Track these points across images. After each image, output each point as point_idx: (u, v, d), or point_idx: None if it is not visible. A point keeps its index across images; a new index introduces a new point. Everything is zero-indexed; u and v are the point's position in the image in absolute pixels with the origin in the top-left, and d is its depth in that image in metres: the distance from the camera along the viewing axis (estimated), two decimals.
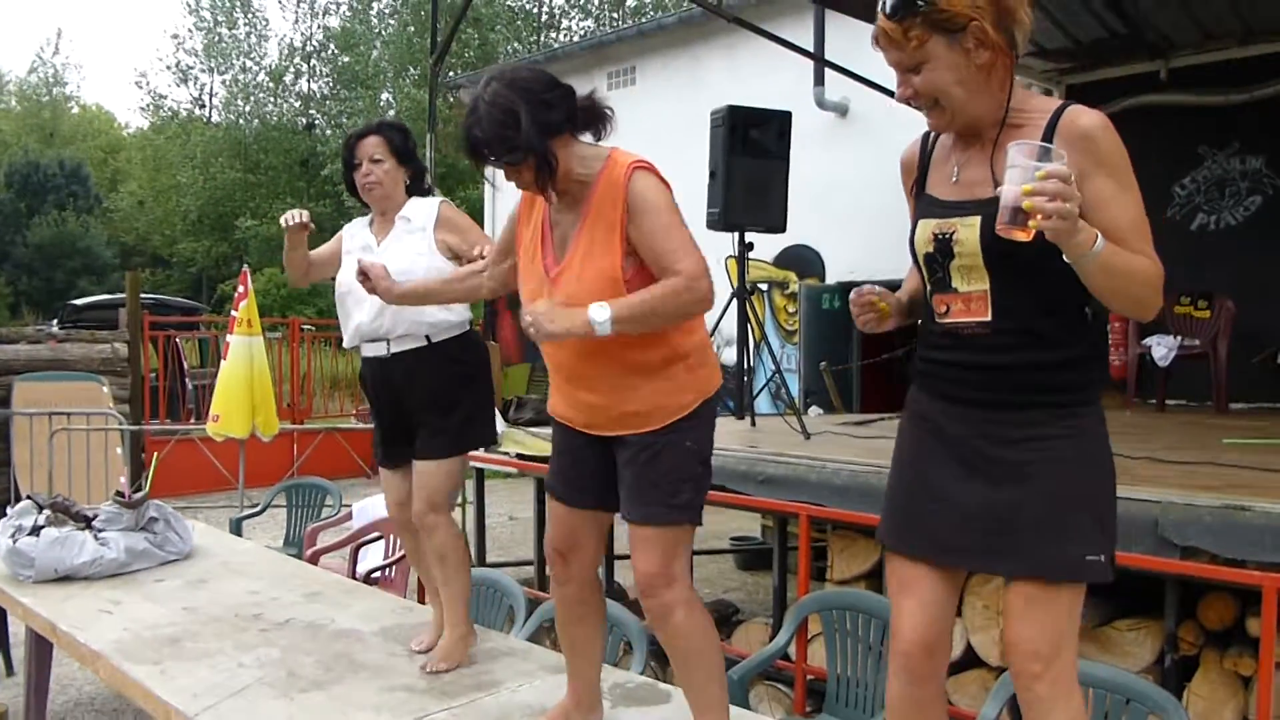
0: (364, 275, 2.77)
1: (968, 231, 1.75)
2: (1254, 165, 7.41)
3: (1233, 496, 3.17)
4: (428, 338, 3.06)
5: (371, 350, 3.13)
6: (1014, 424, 1.77)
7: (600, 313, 2.06)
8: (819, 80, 9.38)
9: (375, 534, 5.10)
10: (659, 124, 11.01)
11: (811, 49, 8.68)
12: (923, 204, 1.89)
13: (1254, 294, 6.81)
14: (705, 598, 4.69)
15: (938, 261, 1.81)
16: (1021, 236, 1.59)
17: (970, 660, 3.76)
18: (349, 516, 5.66)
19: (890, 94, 6.73)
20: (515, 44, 27.27)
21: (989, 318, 1.77)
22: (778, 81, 9.06)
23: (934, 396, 1.87)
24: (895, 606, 1.93)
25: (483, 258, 2.74)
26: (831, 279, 9.75)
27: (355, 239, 3.22)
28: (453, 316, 3.07)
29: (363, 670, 3.00)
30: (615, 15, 28.50)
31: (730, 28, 9.12)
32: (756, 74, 9.76)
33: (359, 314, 3.09)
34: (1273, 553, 2.85)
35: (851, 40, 7.96)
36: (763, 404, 10.05)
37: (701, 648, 2.31)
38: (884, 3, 1.71)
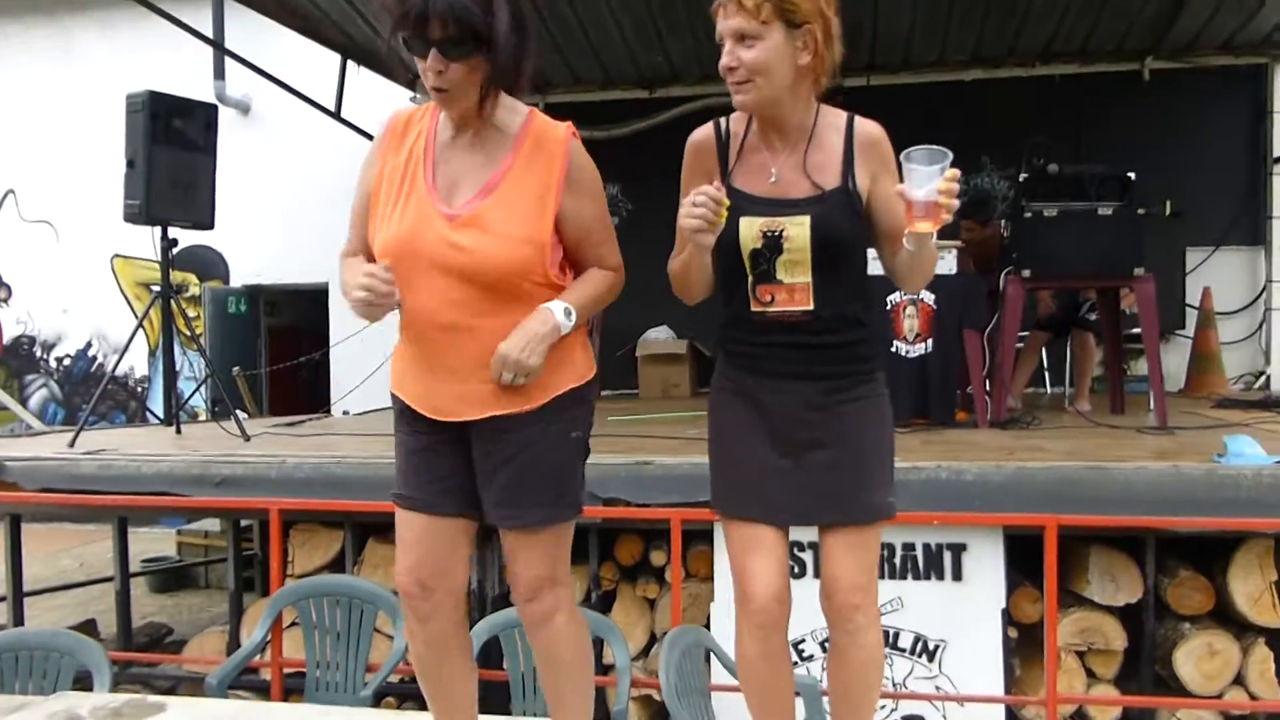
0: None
1: (797, 230, 1.92)
2: (611, 191, 8.79)
3: (636, 456, 3.94)
4: None
5: None
6: (826, 391, 1.97)
7: (566, 316, 1.91)
8: (219, 74, 9.01)
9: None
10: (16, 96, 9.63)
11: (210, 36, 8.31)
12: (738, 200, 1.94)
13: (615, 300, 8.16)
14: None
15: (764, 256, 1.94)
16: (927, 228, 1.80)
17: None
18: None
19: (294, 92, 6.76)
20: None
21: (811, 306, 1.96)
22: (170, 70, 8.50)
23: (752, 374, 2.01)
24: (741, 568, 2.01)
25: None
26: (236, 282, 9.43)
27: None
28: None
29: None
30: None
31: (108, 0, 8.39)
32: (142, 59, 9.05)
33: None
34: (672, 494, 3.63)
35: (253, 34, 7.84)
36: (159, 406, 9.39)
37: (577, 656, 2.14)
38: None
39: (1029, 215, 5.04)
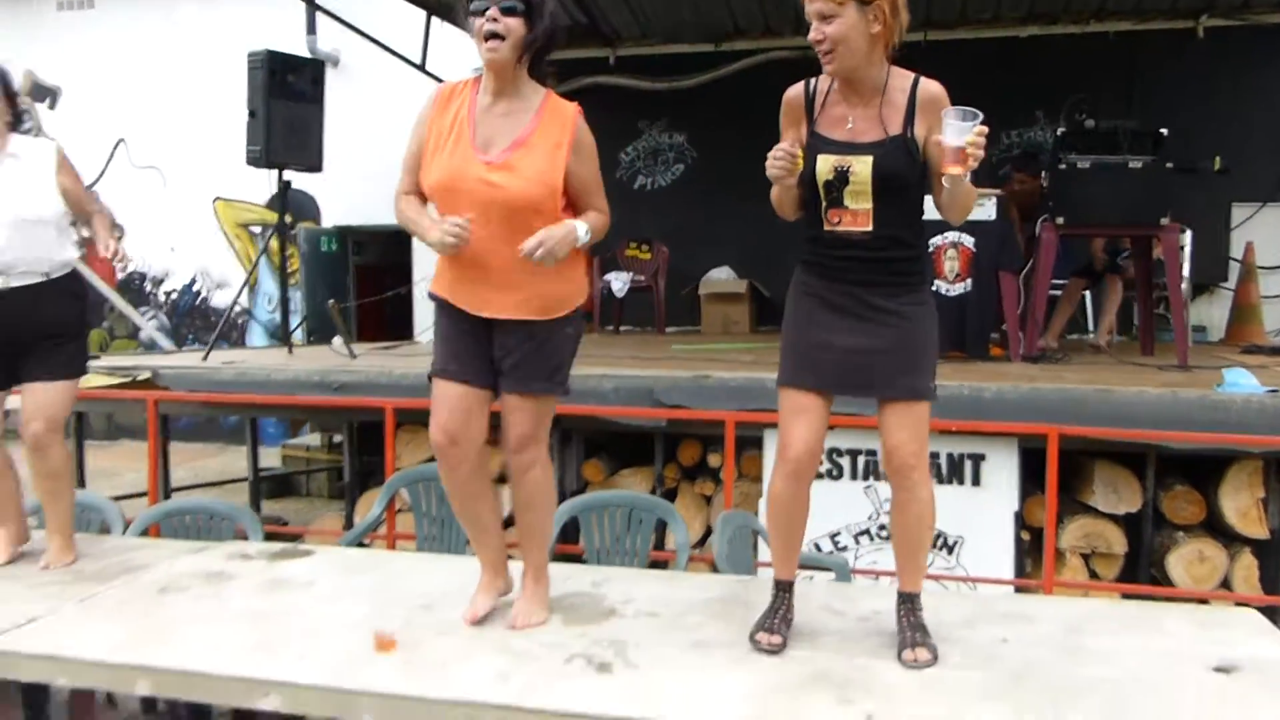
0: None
1: (862, 166, 2.34)
2: (678, 140, 9.38)
3: (698, 371, 4.53)
4: (46, 274, 3.16)
5: None
6: (882, 296, 2.41)
7: (583, 231, 2.50)
8: (311, 29, 9.63)
9: None
10: (125, 53, 10.39)
11: None
12: (818, 142, 2.41)
13: (680, 242, 8.71)
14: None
15: (835, 186, 2.37)
16: (957, 171, 2.23)
17: None
18: None
19: (382, 46, 7.33)
20: None
21: (870, 227, 2.38)
22: (266, 26, 9.14)
23: (822, 278, 2.46)
24: (787, 427, 2.47)
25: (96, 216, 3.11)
26: (327, 223, 10.15)
27: None
28: (70, 255, 3.22)
29: None
30: None
31: None
32: (238, 15, 9.72)
33: None
34: (728, 404, 4.21)
35: None
36: (257, 338, 10.20)
37: (548, 497, 2.78)
38: None
39: (1064, 167, 5.44)
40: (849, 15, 2.29)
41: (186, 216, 10.37)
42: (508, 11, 2.44)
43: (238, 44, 8.92)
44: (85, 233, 3.36)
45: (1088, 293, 7.02)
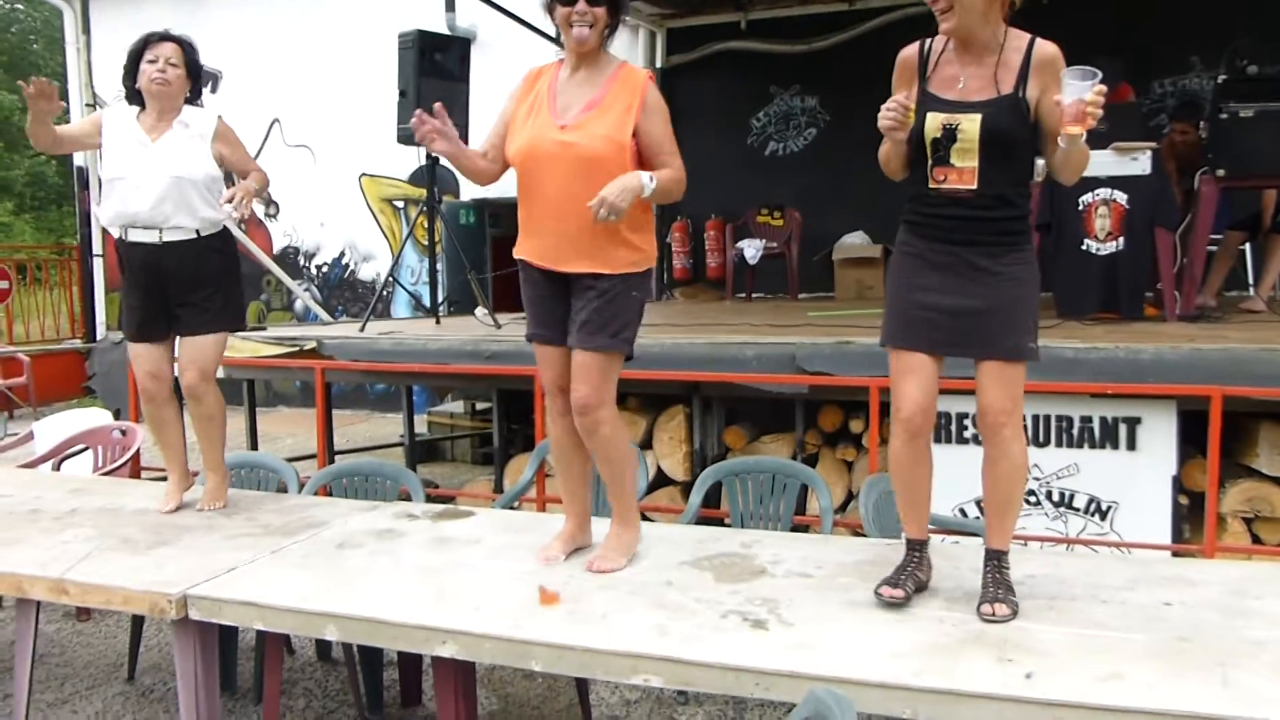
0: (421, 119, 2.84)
1: (970, 124, 2.37)
2: (811, 103, 9.27)
3: (839, 337, 4.54)
4: (197, 231, 3.46)
5: (141, 236, 3.43)
6: (984, 256, 2.43)
7: (649, 180, 2.65)
8: (450, 6, 9.89)
9: (81, 446, 5.13)
10: (278, 38, 10.89)
11: None
12: (928, 100, 2.44)
13: (813, 207, 8.65)
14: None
15: (942, 144, 2.40)
16: (1077, 130, 2.23)
17: (660, 480, 4.89)
18: (29, 439, 5.55)
19: (520, 20, 7.49)
20: None
21: (975, 186, 2.40)
22: (406, 5, 9.43)
23: (925, 239, 2.50)
24: (898, 387, 2.53)
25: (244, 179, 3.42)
26: (465, 197, 10.47)
27: (123, 129, 3.46)
28: (219, 215, 3.50)
29: (193, 529, 3.37)
30: None
31: None
32: None
33: (137, 202, 3.38)
34: (870, 369, 4.21)
35: None
36: (401, 309, 10.62)
37: (623, 451, 2.92)
38: None
39: (1224, 116, 5.17)
40: None
41: (335, 192, 10.85)
42: (595, 2, 2.69)
43: (380, 24, 9.31)
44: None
45: (1246, 246, 6.66)
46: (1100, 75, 2.22)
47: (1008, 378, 2.44)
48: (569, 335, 2.82)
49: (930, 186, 2.47)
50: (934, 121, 2.42)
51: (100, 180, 3.55)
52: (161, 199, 3.36)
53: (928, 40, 2.53)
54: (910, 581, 2.52)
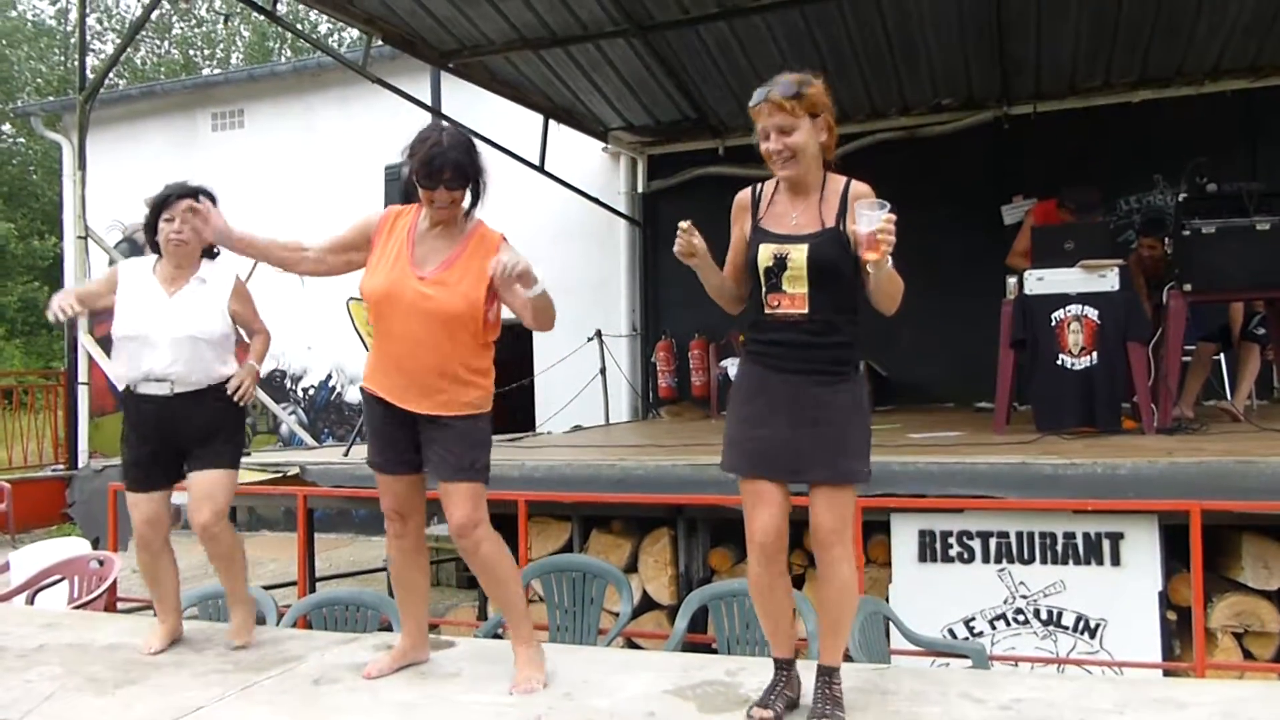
0: (193, 211, 3.14)
1: (798, 254, 2.57)
2: None
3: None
4: (207, 385, 3.45)
5: (153, 390, 3.42)
6: (815, 384, 2.58)
7: (543, 280, 2.88)
8: None
9: (57, 576, 5.05)
10: (270, 166, 11.18)
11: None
12: (760, 234, 2.67)
13: None
14: None
15: (774, 272, 2.60)
16: (873, 256, 2.43)
17: (646, 604, 4.82)
18: (4, 569, 5.48)
19: (505, 151, 7.73)
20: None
21: (806, 310, 2.58)
22: (395, 136, 9.69)
23: (763, 368, 2.66)
24: (750, 514, 2.64)
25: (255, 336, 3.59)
26: None
27: (139, 284, 3.49)
28: (228, 370, 3.52)
29: (161, 667, 3.28)
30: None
31: (346, 78, 9.66)
32: (372, 127, 10.37)
33: (151, 360, 3.40)
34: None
35: (466, 103, 8.93)
36: None
37: (505, 567, 3.04)
38: (781, 90, 2.57)
39: (1188, 232, 5.33)
40: (804, 126, 2.58)
41: (322, 316, 10.97)
42: (454, 188, 2.91)
43: (371, 150, 9.57)
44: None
45: (1220, 357, 6.78)
46: (889, 206, 2.44)
47: (837, 500, 2.58)
48: (427, 465, 2.97)
49: (766, 312, 2.65)
50: (765, 252, 2.62)
51: (111, 336, 3.56)
52: (175, 358, 3.38)
53: (759, 185, 2.77)
54: (780, 701, 2.60)
